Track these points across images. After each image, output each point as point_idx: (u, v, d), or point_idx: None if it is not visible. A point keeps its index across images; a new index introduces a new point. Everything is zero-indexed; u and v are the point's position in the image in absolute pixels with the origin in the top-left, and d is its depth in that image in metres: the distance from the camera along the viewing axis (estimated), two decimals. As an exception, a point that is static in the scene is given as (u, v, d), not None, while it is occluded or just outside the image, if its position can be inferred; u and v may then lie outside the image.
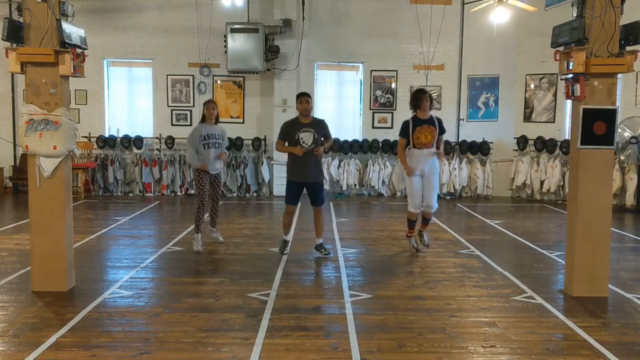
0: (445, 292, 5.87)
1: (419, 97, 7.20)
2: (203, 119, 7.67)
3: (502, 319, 5.11)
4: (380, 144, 13.09)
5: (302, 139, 6.99)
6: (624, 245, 8.32)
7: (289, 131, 7.10)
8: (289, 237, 7.63)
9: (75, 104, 12.76)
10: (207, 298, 5.65)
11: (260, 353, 4.30)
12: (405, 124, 7.25)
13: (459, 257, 7.42)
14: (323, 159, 7.82)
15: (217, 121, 7.70)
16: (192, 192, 11.69)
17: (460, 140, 13.23)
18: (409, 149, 7.25)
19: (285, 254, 7.30)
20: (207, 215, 7.83)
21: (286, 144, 7.14)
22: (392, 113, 13.35)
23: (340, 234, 8.70)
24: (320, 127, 7.15)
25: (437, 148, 7.30)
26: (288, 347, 4.42)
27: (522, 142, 12.97)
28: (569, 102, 9.48)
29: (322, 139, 7.15)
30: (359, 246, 8.03)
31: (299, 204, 7.59)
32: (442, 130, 7.31)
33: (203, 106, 7.74)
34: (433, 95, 13.06)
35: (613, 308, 5.52)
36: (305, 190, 7.22)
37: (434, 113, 7.45)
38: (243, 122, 13.30)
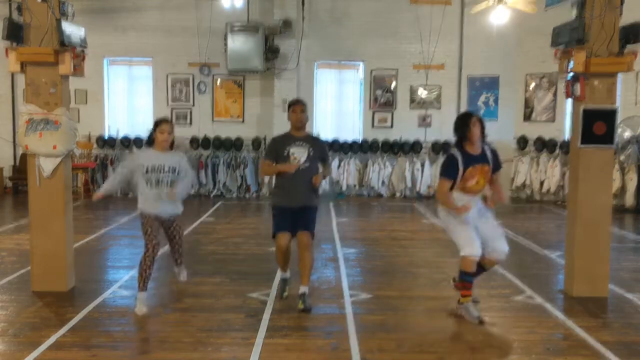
0: (445, 292, 5.85)
1: (465, 124, 5.06)
2: (150, 143, 5.42)
3: (502, 319, 5.11)
4: (380, 144, 13.07)
5: (293, 154, 5.37)
6: (624, 245, 8.32)
7: (278, 147, 5.46)
8: (288, 274, 5.76)
9: (75, 103, 12.73)
10: (207, 298, 5.64)
11: (260, 353, 4.29)
12: (452, 161, 5.03)
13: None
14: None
15: (172, 147, 5.50)
16: (192, 192, 11.62)
17: (460, 140, 13.20)
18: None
19: (286, 296, 5.58)
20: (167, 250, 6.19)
21: (274, 164, 5.49)
22: (392, 113, 13.33)
23: (340, 234, 8.69)
24: (317, 145, 5.54)
25: (496, 190, 5.39)
26: (288, 347, 4.41)
27: (522, 142, 12.97)
28: (569, 102, 9.46)
29: (319, 162, 5.49)
30: (359, 246, 8.03)
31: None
32: (497, 166, 5.30)
33: (154, 126, 5.41)
34: (433, 95, 13.09)
35: (613, 308, 5.51)
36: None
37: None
38: (243, 122, 13.30)
